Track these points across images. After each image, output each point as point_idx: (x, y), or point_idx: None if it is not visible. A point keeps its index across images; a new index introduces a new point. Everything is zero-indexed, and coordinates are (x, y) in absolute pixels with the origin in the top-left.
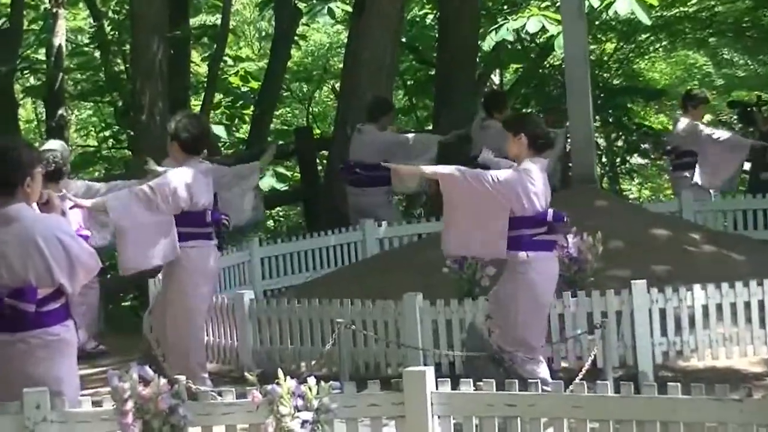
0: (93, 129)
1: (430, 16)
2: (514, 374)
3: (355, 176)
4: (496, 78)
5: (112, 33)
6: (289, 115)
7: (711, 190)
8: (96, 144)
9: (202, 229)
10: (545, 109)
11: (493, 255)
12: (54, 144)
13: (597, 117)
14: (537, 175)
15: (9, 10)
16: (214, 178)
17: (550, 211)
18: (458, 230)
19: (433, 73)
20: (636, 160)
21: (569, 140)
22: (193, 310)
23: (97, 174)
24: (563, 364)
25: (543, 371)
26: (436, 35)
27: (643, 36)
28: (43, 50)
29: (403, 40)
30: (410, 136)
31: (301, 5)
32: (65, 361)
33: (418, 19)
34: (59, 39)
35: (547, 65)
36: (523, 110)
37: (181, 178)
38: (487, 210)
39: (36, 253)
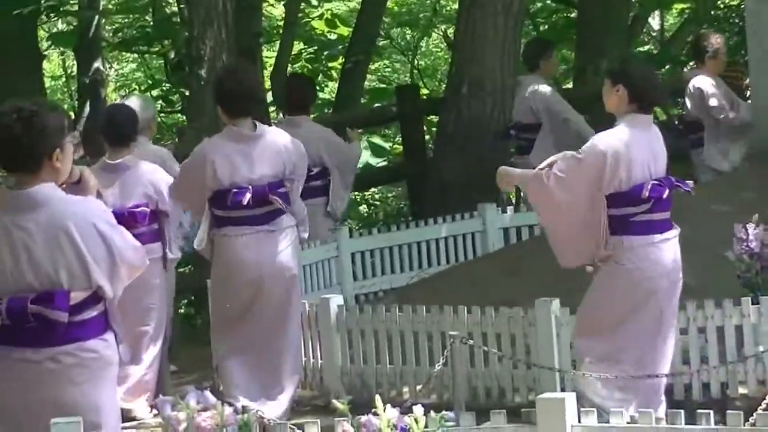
0: (137, 87)
1: None
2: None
3: (515, 141)
4: (654, 22)
5: None
6: (388, 69)
7: None
8: None
9: (236, 213)
10: None
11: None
12: (132, 102)
13: None
14: (635, 140)
15: None
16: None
17: (648, 183)
18: (566, 239)
19: (573, 15)
20: None
21: (749, 101)
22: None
23: None
24: (741, 390)
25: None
26: None
27: None
28: None
29: None
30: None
31: None
32: (105, 385)
33: None
34: None
35: (722, 5)
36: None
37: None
38: (583, 198)
39: (68, 246)
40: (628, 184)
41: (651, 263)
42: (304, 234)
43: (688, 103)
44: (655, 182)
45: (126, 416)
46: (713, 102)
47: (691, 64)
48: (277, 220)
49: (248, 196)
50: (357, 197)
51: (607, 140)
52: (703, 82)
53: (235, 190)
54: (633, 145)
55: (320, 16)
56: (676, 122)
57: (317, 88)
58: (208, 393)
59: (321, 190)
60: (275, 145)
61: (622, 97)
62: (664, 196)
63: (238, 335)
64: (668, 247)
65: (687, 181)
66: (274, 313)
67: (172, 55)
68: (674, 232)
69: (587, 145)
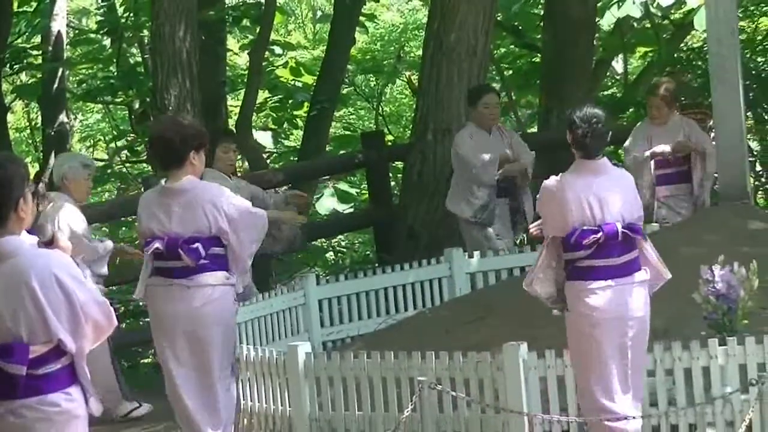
0: (102, 138)
1: None
2: None
3: None
4: (618, 65)
5: (126, 15)
6: (353, 116)
7: None
8: (106, 157)
9: (158, 263)
10: (683, 104)
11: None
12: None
13: (749, 113)
14: (573, 185)
15: None
16: None
17: (578, 231)
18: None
19: (537, 60)
20: None
21: (713, 143)
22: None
23: (107, 195)
24: None
25: None
26: (541, 12)
27: None
28: (38, 38)
29: (499, 17)
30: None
31: None
32: None
33: None
34: (59, 24)
35: (685, 48)
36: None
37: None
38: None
39: (29, 298)
40: (565, 229)
41: (590, 310)
42: (238, 288)
43: None
44: (587, 229)
45: None
46: None
47: None
48: (196, 276)
49: (155, 245)
50: (324, 244)
51: (546, 186)
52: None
53: (148, 239)
54: (568, 192)
55: (285, 65)
56: None
57: (282, 135)
58: None
59: None
60: (198, 202)
61: (571, 142)
62: (585, 242)
63: (173, 382)
64: (612, 294)
65: (637, 227)
66: (192, 366)
67: (136, 105)
68: (626, 280)
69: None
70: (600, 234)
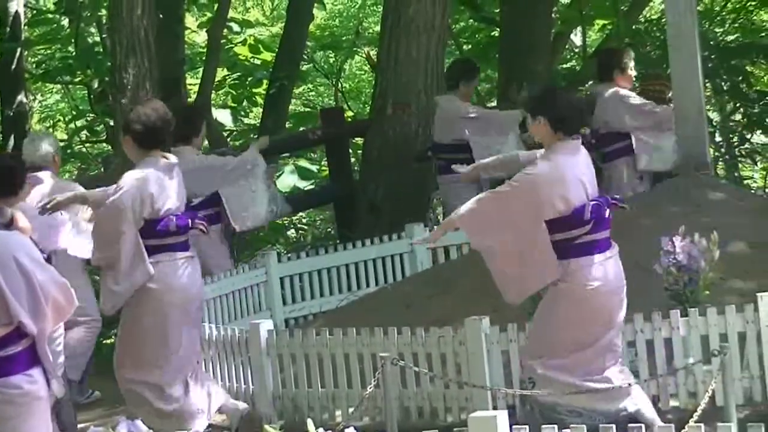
0: (62, 118)
1: None
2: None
3: (436, 162)
4: (576, 38)
5: None
6: (312, 93)
7: None
8: (66, 137)
9: (168, 240)
10: (642, 75)
11: (553, 278)
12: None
13: (708, 84)
14: (567, 165)
15: None
16: (212, 171)
17: (589, 205)
18: (508, 277)
19: (496, 34)
20: (760, 138)
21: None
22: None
23: (67, 175)
24: (673, 403)
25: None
26: None
27: None
28: None
29: None
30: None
31: None
32: (34, 420)
33: None
34: (16, 4)
35: (643, 20)
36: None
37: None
38: (521, 228)
39: None
40: (568, 208)
41: (597, 282)
42: None
43: (606, 116)
44: (594, 203)
45: None
46: (636, 100)
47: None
48: (191, 246)
49: (174, 222)
50: (285, 221)
51: (538, 170)
52: (620, 90)
53: (164, 218)
54: (566, 172)
55: (243, 42)
56: (589, 135)
57: (241, 113)
58: (139, 422)
59: (215, 217)
60: (180, 173)
61: (544, 128)
62: (606, 215)
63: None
64: (611, 265)
65: (619, 197)
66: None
67: (95, 84)
68: (615, 250)
69: (519, 175)
70: (604, 208)
